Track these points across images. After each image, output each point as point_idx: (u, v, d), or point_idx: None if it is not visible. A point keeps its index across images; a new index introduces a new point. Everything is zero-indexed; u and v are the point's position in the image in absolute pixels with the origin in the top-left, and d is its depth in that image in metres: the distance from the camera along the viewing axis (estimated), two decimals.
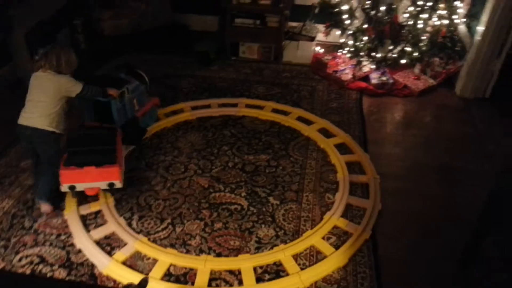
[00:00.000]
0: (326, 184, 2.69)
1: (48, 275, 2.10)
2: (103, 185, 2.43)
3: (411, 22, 3.63)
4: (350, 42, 3.82)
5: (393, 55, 3.75)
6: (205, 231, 2.36)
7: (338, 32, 3.95)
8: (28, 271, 2.11)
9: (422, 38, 3.67)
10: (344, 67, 3.93)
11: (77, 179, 2.38)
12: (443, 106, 3.61)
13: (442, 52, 3.78)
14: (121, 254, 2.20)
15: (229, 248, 2.26)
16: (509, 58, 3.51)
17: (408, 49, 3.71)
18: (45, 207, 2.45)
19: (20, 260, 2.17)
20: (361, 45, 3.77)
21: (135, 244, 2.25)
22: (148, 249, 2.23)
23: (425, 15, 3.60)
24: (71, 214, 2.43)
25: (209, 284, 2.07)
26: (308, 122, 3.25)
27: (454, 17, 3.65)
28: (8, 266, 2.14)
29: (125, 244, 2.26)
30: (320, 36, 4.21)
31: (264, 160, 2.88)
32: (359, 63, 3.82)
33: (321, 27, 4.22)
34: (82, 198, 2.54)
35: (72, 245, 2.25)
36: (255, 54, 4.27)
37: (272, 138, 3.09)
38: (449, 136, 3.22)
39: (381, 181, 2.69)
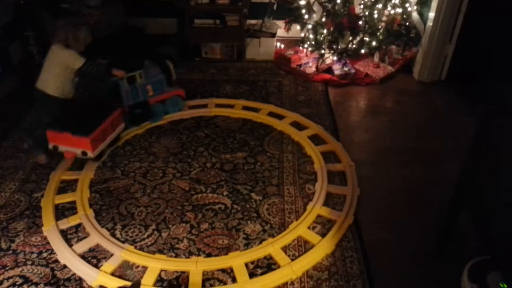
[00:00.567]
0: (305, 175, 2.75)
1: None
2: (78, 151, 2.78)
3: (367, 13, 3.77)
4: (311, 36, 3.91)
5: (353, 46, 3.88)
6: (192, 233, 2.35)
7: (298, 27, 4.04)
8: None
9: (379, 27, 3.82)
10: (307, 60, 4.02)
11: (57, 141, 2.78)
12: (404, 91, 3.77)
13: (398, 40, 3.95)
14: (109, 265, 2.15)
15: (218, 247, 2.27)
16: (460, 42, 3.71)
17: (367, 39, 3.84)
18: (41, 157, 2.83)
19: (1, 283, 2.07)
20: (322, 38, 3.87)
21: (121, 253, 2.21)
22: (136, 257, 2.20)
23: (379, 5, 3.75)
24: (50, 230, 2.34)
25: (203, 285, 2.07)
26: (279, 117, 3.30)
27: (406, 5, 3.82)
28: None
29: (112, 255, 2.21)
30: (281, 32, 4.28)
31: (242, 157, 2.90)
32: (321, 55, 3.92)
33: (280, 23, 4.29)
34: (60, 213, 2.47)
35: (56, 261, 2.18)
36: (217, 54, 4.27)
37: (246, 135, 3.11)
38: (413, 119, 3.38)
39: (356, 168, 2.78)
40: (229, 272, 2.13)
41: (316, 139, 3.06)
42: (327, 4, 3.79)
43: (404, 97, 3.69)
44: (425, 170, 2.82)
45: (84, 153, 2.75)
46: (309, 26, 3.90)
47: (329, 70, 3.94)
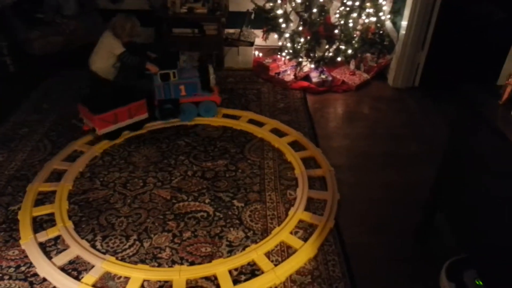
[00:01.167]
0: (286, 181, 2.78)
1: None
2: (90, 125, 3.10)
3: (342, 22, 3.85)
4: (288, 45, 3.97)
5: (329, 54, 3.96)
6: (175, 242, 2.34)
7: (276, 36, 4.10)
8: None
9: (354, 36, 3.92)
10: (285, 68, 4.08)
11: (82, 112, 3.15)
12: (379, 98, 3.87)
13: (373, 48, 4.06)
14: (90, 277, 2.11)
15: (201, 255, 2.26)
16: (432, 49, 3.84)
17: (342, 47, 3.93)
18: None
19: None
20: (299, 47, 3.94)
21: (102, 264, 2.18)
22: (118, 268, 2.17)
23: (354, 14, 3.84)
24: (29, 243, 2.29)
25: None
26: (259, 124, 3.33)
27: (380, 14, 3.93)
28: None
29: (93, 267, 2.18)
30: (259, 41, 4.33)
31: (223, 165, 2.90)
32: (299, 63, 3.99)
33: (258, 32, 4.34)
34: (38, 225, 2.42)
35: (35, 274, 2.13)
36: (196, 63, 4.28)
37: (227, 143, 3.13)
38: (389, 124, 3.46)
39: (335, 173, 2.83)
40: (213, 280, 2.13)
41: (296, 146, 3.10)
42: (303, 13, 3.87)
43: (380, 103, 3.78)
44: (402, 174, 2.89)
45: (93, 129, 3.08)
46: (287, 35, 3.96)
47: (307, 77, 4.00)
